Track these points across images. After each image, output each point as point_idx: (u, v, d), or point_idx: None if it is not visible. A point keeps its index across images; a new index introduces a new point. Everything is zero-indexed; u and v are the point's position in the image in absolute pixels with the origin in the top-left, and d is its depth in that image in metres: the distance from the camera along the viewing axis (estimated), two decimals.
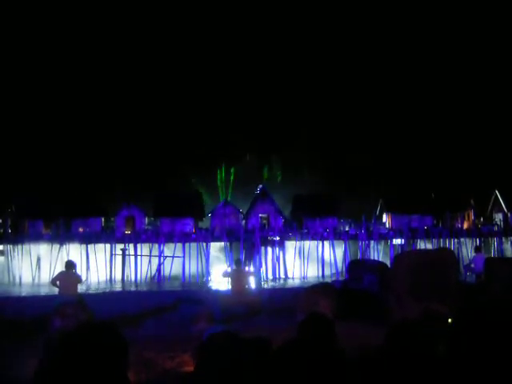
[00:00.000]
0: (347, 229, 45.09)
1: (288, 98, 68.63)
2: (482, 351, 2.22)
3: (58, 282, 11.64)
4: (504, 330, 2.24)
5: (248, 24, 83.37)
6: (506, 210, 47.69)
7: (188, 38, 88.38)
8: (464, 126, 63.45)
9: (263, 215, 49.19)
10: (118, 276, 39.39)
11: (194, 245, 40.65)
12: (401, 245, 40.90)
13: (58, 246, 39.81)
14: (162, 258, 39.76)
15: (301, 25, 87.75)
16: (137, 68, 74.33)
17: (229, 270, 20.17)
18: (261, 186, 52.60)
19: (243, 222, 47.20)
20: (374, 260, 29.46)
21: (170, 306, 10.95)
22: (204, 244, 40.77)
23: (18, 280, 38.87)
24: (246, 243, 39.74)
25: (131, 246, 40.62)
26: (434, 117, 66.49)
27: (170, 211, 45.91)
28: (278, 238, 41.00)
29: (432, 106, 68.09)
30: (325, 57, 77.48)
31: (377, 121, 64.01)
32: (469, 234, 43.04)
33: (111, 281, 38.72)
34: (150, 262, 39.84)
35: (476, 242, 40.77)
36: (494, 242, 42.99)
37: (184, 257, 39.51)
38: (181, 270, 39.00)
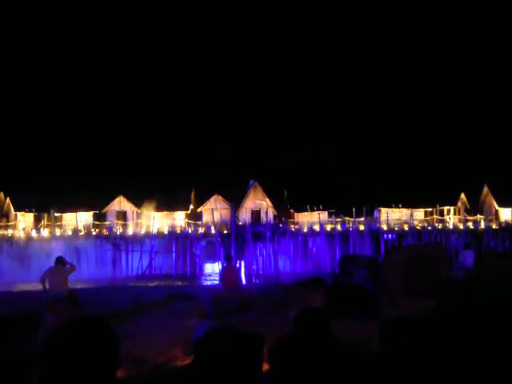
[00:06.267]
0: (339, 224, 45.15)
1: (283, 94, 68.61)
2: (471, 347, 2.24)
3: (46, 280, 11.52)
4: (496, 324, 2.26)
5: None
6: (496, 205, 47.93)
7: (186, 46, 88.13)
8: (454, 120, 63.75)
9: (255, 209, 49.23)
10: (108, 271, 39.28)
11: (185, 240, 40.57)
12: (392, 240, 41.04)
13: (49, 240, 39.66)
14: (153, 254, 39.68)
15: (296, 26, 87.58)
16: (132, 68, 74.02)
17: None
18: (252, 180, 52.59)
19: (235, 216, 47.18)
20: (365, 255, 29.57)
21: (162, 302, 10.95)
22: (195, 239, 40.71)
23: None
24: (238, 238, 39.73)
25: (122, 241, 40.53)
26: (423, 112, 66.74)
27: (161, 205, 45.83)
28: (269, 233, 41.02)
29: (422, 102, 68.35)
30: (319, 53, 77.53)
31: (368, 116, 64.15)
32: (459, 229, 43.25)
33: (102, 276, 38.58)
34: (141, 257, 39.72)
35: (466, 237, 40.98)
36: (484, 237, 43.20)
37: (175, 252, 39.44)
38: (172, 266, 38.92)
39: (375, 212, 48.31)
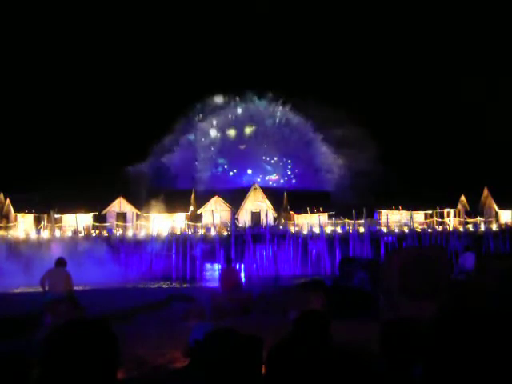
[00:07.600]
0: (339, 226, 45.13)
1: (281, 89, 68.41)
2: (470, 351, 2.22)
3: (46, 281, 11.49)
4: (494, 327, 2.25)
5: None
6: (496, 207, 47.96)
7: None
8: (454, 122, 63.72)
9: (255, 211, 49.26)
10: (108, 273, 39.18)
11: (185, 242, 40.51)
12: (392, 242, 40.99)
13: (48, 241, 39.60)
14: (152, 255, 39.62)
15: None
16: (131, 69, 73.97)
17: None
18: (253, 181, 52.68)
19: (234, 218, 47.20)
20: (365, 257, 29.53)
21: (162, 303, 10.96)
22: (195, 241, 40.63)
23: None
24: (237, 240, 39.68)
25: (122, 242, 40.47)
26: (424, 114, 66.73)
27: (161, 207, 45.86)
28: (269, 235, 40.97)
29: (423, 104, 68.32)
30: (316, 52, 77.48)
31: (368, 117, 64.06)
32: (459, 231, 43.22)
33: (102, 277, 38.47)
34: (140, 259, 39.66)
35: (466, 239, 40.92)
36: (484, 239, 43.13)
37: (175, 253, 39.39)
38: (172, 268, 38.83)
39: (375, 214, 48.32)
